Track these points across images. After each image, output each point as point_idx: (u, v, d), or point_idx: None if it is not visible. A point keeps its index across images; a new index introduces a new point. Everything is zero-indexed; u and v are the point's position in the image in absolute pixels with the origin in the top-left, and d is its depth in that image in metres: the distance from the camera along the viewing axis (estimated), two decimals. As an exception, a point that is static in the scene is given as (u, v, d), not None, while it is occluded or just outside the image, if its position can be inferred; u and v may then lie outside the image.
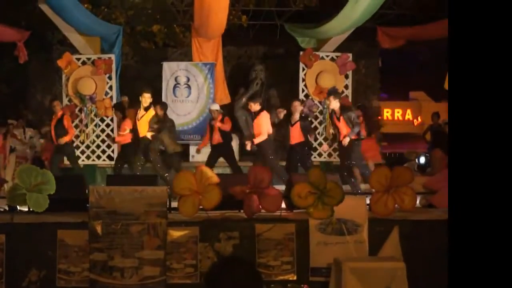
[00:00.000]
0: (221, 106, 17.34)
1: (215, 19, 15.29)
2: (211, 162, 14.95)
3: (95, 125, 16.82)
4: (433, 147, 18.30)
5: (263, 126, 14.47)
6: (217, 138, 15.05)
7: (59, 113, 15.22)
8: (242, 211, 10.29)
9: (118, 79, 17.30)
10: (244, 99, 18.22)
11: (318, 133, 17.35)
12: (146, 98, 14.50)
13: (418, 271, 9.74)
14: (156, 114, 14.47)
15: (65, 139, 15.00)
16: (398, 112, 34.58)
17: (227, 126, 15.11)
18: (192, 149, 16.97)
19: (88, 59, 17.00)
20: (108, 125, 16.89)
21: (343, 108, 13.99)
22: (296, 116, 14.79)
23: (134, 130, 14.63)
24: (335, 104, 13.98)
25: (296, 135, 14.73)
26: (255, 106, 14.65)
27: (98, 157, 16.82)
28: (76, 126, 16.90)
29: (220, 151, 15.13)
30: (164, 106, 14.74)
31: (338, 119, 13.91)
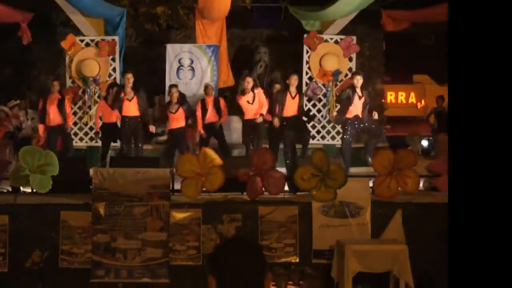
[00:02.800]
0: (225, 88, 17.38)
1: (219, 1, 15.28)
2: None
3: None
4: (438, 130, 18.30)
5: None
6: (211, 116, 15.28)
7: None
8: (245, 193, 10.30)
9: (122, 61, 17.28)
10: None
11: (322, 116, 17.34)
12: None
13: (421, 253, 9.76)
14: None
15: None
16: (401, 95, 34.48)
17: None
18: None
19: (92, 40, 16.98)
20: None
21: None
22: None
23: None
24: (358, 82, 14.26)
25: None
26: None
27: (102, 138, 16.80)
28: (80, 108, 16.92)
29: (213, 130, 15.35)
30: None
31: (360, 98, 14.17)
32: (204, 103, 15.30)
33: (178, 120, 14.92)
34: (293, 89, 14.60)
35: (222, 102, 15.64)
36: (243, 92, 15.12)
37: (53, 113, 15.07)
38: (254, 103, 14.80)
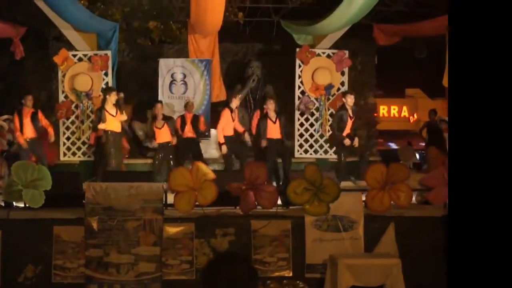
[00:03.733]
0: (218, 103, 17.39)
1: (211, 15, 15.28)
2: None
3: (91, 122, 16.76)
4: (429, 144, 18.34)
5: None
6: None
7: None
8: (238, 207, 10.31)
9: (115, 75, 17.27)
10: (240, 96, 18.24)
11: (314, 130, 17.35)
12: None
13: (413, 267, 9.77)
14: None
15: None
16: (394, 109, 34.62)
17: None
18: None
19: (85, 55, 16.96)
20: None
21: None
22: None
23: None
24: (351, 101, 14.37)
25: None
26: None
27: (95, 153, 16.77)
28: (72, 123, 16.90)
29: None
30: None
31: (352, 117, 14.30)
32: (183, 118, 15.52)
33: (164, 134, 15.05)
34: (271, 114, 15.01)
35: (201, 120, 15.85)
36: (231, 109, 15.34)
37: (27, 127, 14.99)
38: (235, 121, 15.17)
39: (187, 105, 15.89)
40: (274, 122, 14.82)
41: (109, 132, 14.44)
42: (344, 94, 15.08)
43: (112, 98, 14.53)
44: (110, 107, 14.48)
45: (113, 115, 14.44)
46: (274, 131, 14.87)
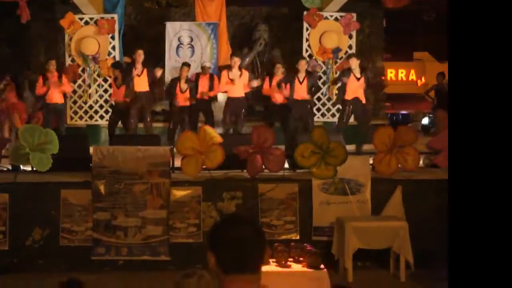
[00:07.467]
0: (224, 66, 17.32)
1: (218, -22, 15.23)
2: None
3: (98, 85, 16.76)
4: (438, 107, 18.27)
5: None
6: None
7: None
8: (245, 170, 10.30)
9: (121, 39, 17.23)
10: (247, 59, 18.16)
11: (322, 93, 17.28)
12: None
13: (420, 230, 9.78)
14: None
15: None
16: (401, 73, 34.44)
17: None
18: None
19: (91, 19, 16.91)
20: (111, 85, 16.79)
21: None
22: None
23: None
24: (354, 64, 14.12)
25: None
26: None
27: (101, 117, 16.79)
28: (79, 86, 16.88)
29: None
30: None
31: (358, 79, 13.96)
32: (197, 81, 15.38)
33: (186, 98, 14.89)
34: (301, 75, 14.58)
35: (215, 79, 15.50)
36: (230, 69, 15.14)
37: (54, 92, 14.99)
38: (238, 82, 14.83)
39: (204, 69, 15.66)
40: (301, 83, 14.52)
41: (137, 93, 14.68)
42: (348, 57, 15.08)
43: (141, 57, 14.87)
44: (138, 67, 14.85)
45: (138, 75, 14.73)
46: (300, 92, 14.49)
